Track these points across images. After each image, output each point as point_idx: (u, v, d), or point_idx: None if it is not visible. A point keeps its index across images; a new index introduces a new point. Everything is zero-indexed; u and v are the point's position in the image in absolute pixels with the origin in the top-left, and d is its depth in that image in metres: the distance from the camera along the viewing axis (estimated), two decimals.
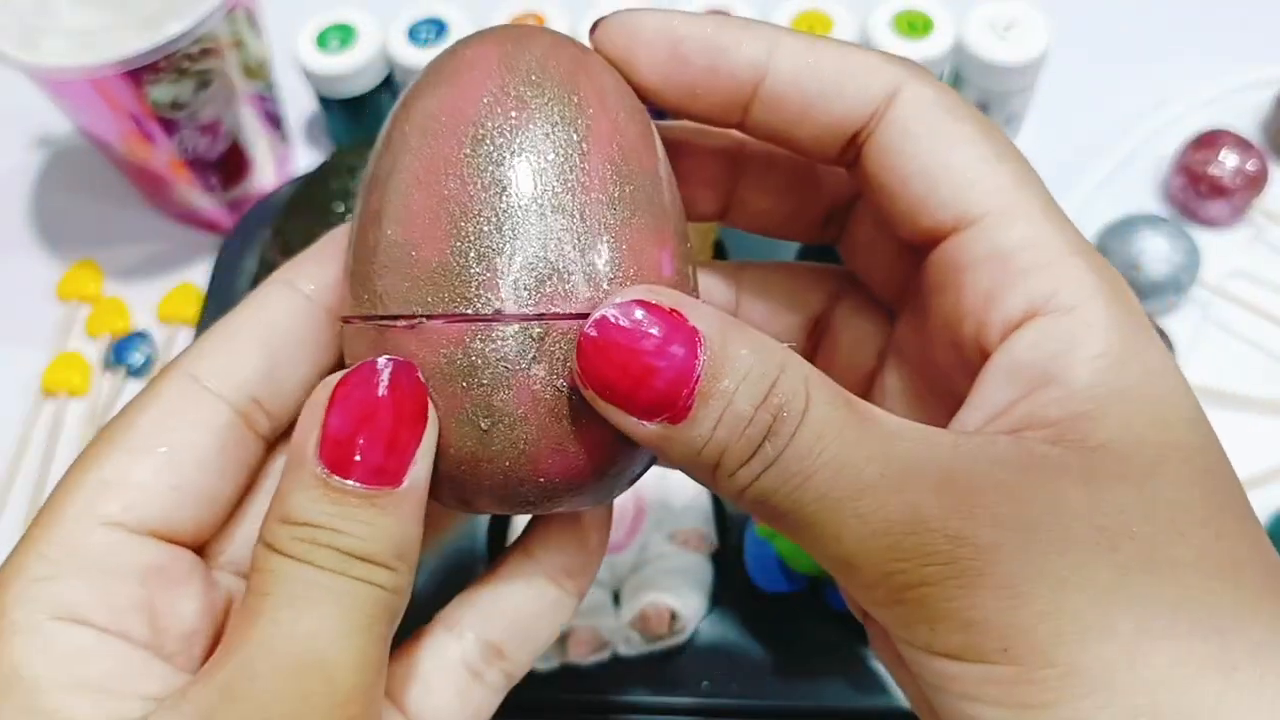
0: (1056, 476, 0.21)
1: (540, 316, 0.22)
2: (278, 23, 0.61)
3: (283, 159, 0.64)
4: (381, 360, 0.22)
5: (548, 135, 0.23)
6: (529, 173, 0.22)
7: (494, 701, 0.27)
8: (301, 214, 0.53)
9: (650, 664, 0.45)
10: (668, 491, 0.48)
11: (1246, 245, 0.59)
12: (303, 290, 0.26)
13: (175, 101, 0.54)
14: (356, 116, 0.64)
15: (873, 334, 0.30)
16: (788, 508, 0.22)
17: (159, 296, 0.61)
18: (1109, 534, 0.21)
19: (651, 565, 0.46)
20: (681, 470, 0.23)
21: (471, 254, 0.22)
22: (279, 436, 0.26)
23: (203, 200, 0.62)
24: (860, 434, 0.21)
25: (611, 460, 0.23)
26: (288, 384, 0.26)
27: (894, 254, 0.28)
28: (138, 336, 0.60)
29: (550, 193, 0.22)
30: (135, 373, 0.59)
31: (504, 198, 0.22)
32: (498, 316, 0.22)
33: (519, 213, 0.22)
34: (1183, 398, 0.23)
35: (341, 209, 0.52)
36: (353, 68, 0.61)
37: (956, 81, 0.62)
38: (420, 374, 0.22)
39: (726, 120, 0.26)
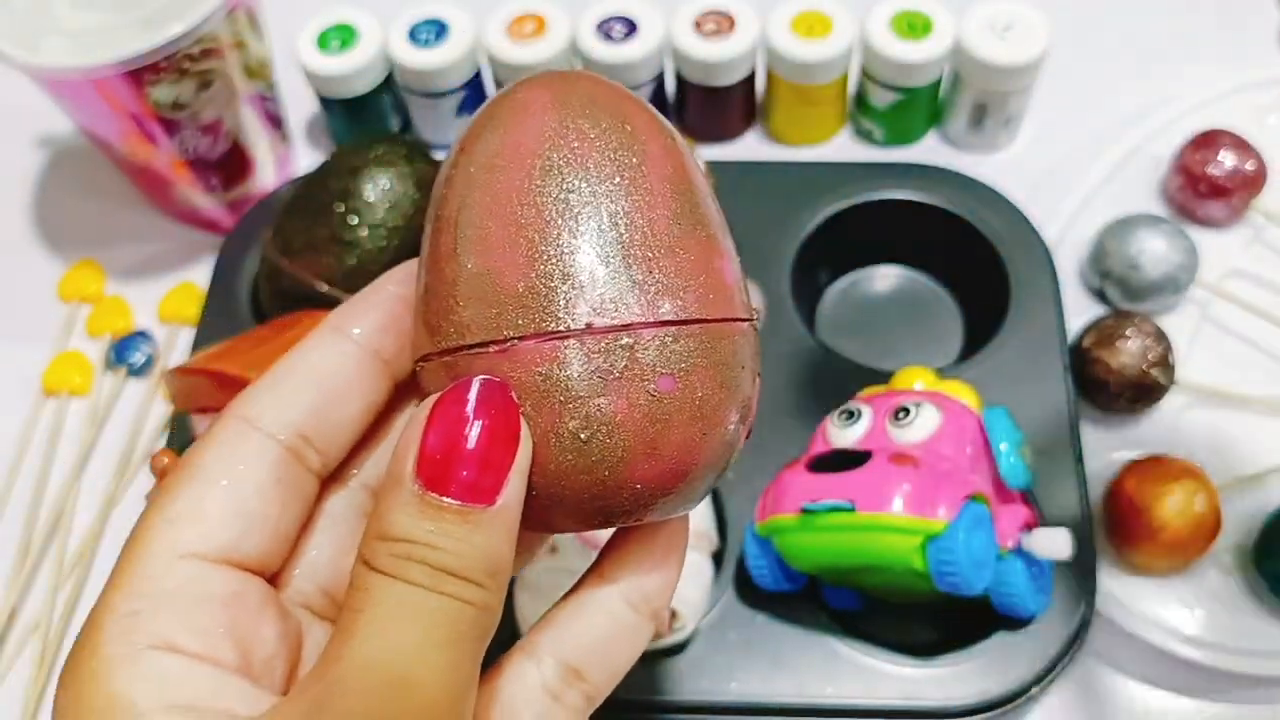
0: None
1: (628, 327, 0.23)
2: (278, 23, 0.61)
3: (283, 159, 0.64)
4: (476, 380, 0.23)
5: (610, 160, 0.24)
6: (599, 195, 0.24)
7: None
8: (302, 214, 0.53)
9: (650, 663, 0.45)
10: None
11: (1245, 245, 0.59)
12: (349, 335, 0.27)
13: (176, 102, 0.54)
14: (357, 116, 0.64)
15: None
16: None
17: (160, 296, 0.62)
18: None
19: None
20: None
21: (556, 274, 0.23)
22: (330, 475, 0.27)
23: (203, 200, 0.62)
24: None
25: (695, 460, 0.24)
26: (336, 423, 0.27)
27: None
28: (139, 336, 0.60)
29: (621, 212, 0.24)
30: (136, 372, 0.59)
31: (578, 220, 0.24)
32: (589, 330, 0.23)
33: (594, 233, 0.24)
34: None
35: (341, 209, 0.52)
36: (353, 68, 0.61)
37: (956, 82, 0.62)
38: (514, 395, 0.23)
39: None
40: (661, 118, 0.26)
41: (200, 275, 0.62)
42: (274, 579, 0.26)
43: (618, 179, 0.24)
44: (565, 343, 0.23)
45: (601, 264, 0.24)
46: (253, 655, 0.24)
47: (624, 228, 0.24)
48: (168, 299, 0.61)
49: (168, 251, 0.64)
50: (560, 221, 0.24)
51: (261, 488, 0.25)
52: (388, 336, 0.27)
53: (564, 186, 0.24)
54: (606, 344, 0.23)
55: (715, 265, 0.25)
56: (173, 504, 0.25)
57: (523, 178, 0.24)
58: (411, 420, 0.23)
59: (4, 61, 0.51)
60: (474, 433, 0.23)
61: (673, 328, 0.24)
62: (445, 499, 0.22)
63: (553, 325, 0.23)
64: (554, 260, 0.23)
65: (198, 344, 0.56)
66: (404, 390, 0.28)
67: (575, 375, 0.23)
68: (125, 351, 0.59)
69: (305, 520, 0.27)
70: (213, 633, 0.23)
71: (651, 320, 0.24)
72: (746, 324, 0.26)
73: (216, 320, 0.57)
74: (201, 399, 0.48)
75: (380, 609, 0.22)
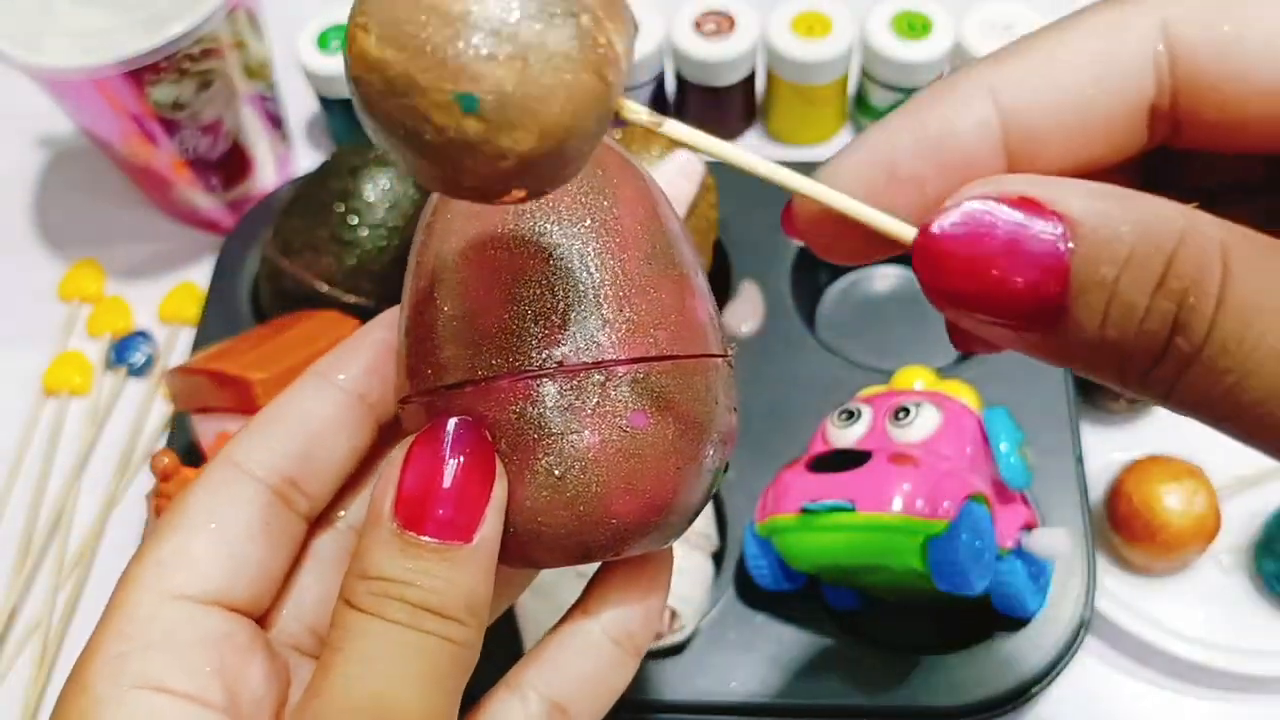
0: None
1: (600, 364, 0.24)
2: (279, 23, 0.61)
3: (283, 159, 0.65)
4: (451, 421, 0.23)
5: (582, 203, 0.25)
6: (571, 237, 0.25)
7: None
8: (302, 214, 0.53)
9: (650, 663, 0.45)
10: None
11: None
12: (334, 381, 0.27)
13: (177, 102, 0.54)
14: (357, 117, 0.64)
15: None
16: (1228, 414, 0.18)
17: (160, 296, 0.62)
18: None
19: None
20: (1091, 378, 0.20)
21: (529, 315, 0.24)
22: (318, 518, 0.28)
23: (204, 200, 0.62)
24: None
25: (671, 495, 0.25)
26: (323, 466, 0.27)
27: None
28: (139, 336, 0.60)
29: (592, 253, 0.24)
30: (136, 372, 0.59)
31: (551, 262, 0.24)
32: (562, 369, 0.24)
33: (566, 274, 0.24)
34: None
35: (341, 209, 0.52)
36: None
37: None
38: (489, 434, 0.24)
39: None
40: (634, 161, 0.27)
41: (200, 275, 0.62)
42: (262, 620, 0.26)
43: (589, 221, 0.25)
44: (538, 381, 0.24)
45: (574, 304, 0.24)
46: (240, 695, 0.24)
47: (595, 269, 0.24)
48: (168, 299, 0.61)
49: (168, 251, 0.64)
50: (533, 264, 0.24)
51: (250, 530, 0.25)
52: (373, 381, 0.27)
53: (536, 230, 0.24)
54: (579, 381, 0.24)
55: (688, 304, 0.25)
56: (162, 546, 0.25)
57: (497, 223, 0.25)
58: (389, 461, 0.24)
59: (5, 61, 0.51)
60: (450, 472, 0.23)
61: (644, 364, 0.24)
62: (423, 537, 0.23)
63: (526, 364, 0.24)
64: (527, 302, 0.24)
65: (198, 344, 0.56)
66: (389, 434, 0.28)
67: (549, 412, 0.24)
68: (125, 351, 0.59)
69: (293, 562, 0.27)
70: (201, 673, 0.24)
71: (623, 358, 0.24)
72: (720, 360, 0.26)
73: (216, 320, 0.57)
74: (201, 399, 0.48)
75: (361, 646, 0.22)
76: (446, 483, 0.23)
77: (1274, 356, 0.17)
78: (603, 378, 0.24)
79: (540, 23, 0.17)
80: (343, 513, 0.28)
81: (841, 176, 0.21)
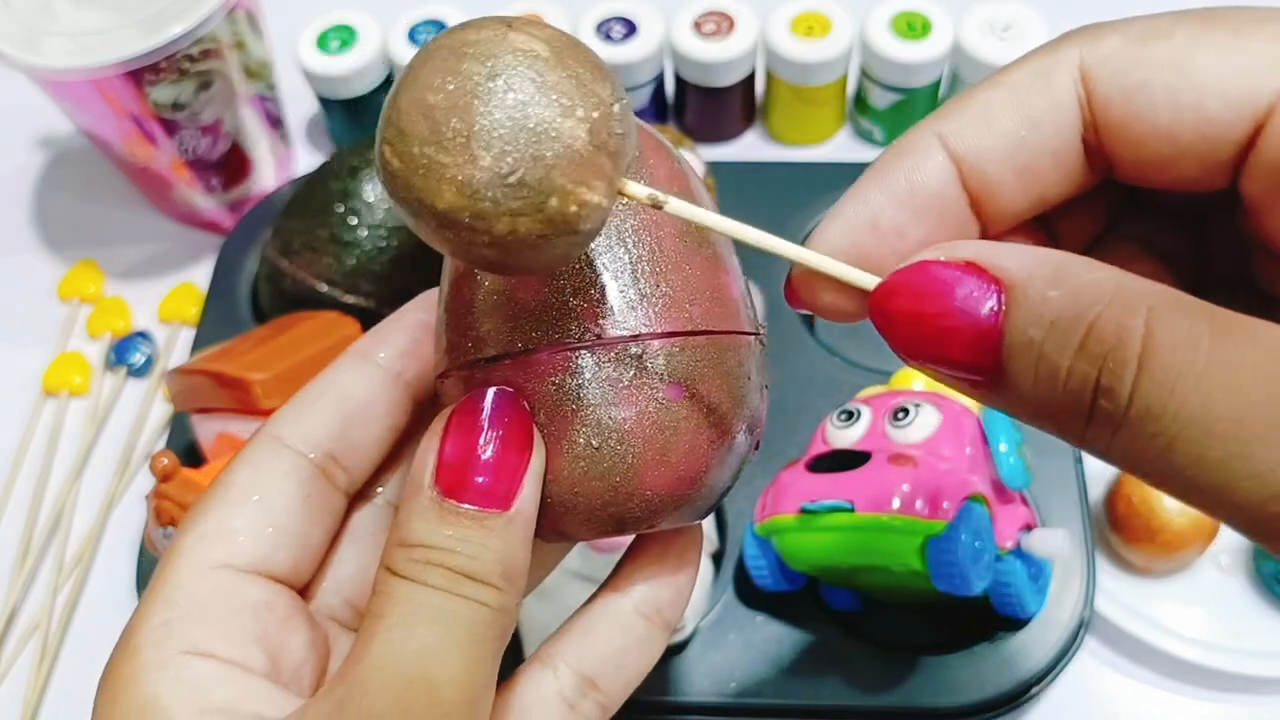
0: None
1: (636, 337, 0.24)
2: (278, 24, 0.61)
3: (283, 160, 0.65)
4: (490, 391, 0.24)
5: None
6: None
7: None
8: (302, 214, 0.53)
9: None
10: None
11: None
12: (374, 359, 0.28)
13: (176, 102, 0.54)
14: (357, 117, 0.64)
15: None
16: (1161, 476, 0.18)
17: (160, 296, 0.62)
18: None
19: None
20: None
21: (568, 289, 0.24)
22: (357, 493, 0.28)
23: (203, 201, 0.62)
24: (1233, 370, 0.17)
25: (704, 468, 0.25)
26: (362, 442, 0.28)
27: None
28: (139, 336, 0.60)
29: (629, 230, 0.25)
30: (136, 372, 0.59)
31: None
32: (600, 341, 0.24)
33: (604, 249, 0.25)
34: None
35: (341, 209, 0.52)
36: (353, 69, 0.61)
37: (955, 82, 0.62)
38: (527, 404, 0.24)
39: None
40: (666, 141, 0.27)
41: (200, 275, 0.62)
42: (303, 591, 0.27)
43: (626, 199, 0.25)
44: (576, 353, 0.24)
45: (611, 279, 0.24)
46: (282, 662, 0.25)
47: (632, 244, 0.25)
48: (168, 299, 0.61)
49: (168, 251, 0.64)
50: None
51: (291, 503, 0.26)
52: (410, 360, 0.28)
53: None
54: (616, 354, 0.24)
55: (720, 281, 0.26)
56: (206, 519, 0.26)
57: None
58: (429, 431, 0.24)
59: (4, 62, 0.51)
60: (489, 441, 0.23)
61: (679, 339, 0.24)
62: (462, 505, 0.23)
63: (564, 337, 0.24)
64: (565, 276, 0.24)
65: (198, 344, 0.56)
66: (427, 413, 0.29)
67: (586, 384, 0.24)
68: (125, 352, 0.59)
69: (333, 536, 0.28)
70: (243, 640, 0.24)
71: (659, 331, 0.24)
72: (753, 338, 0.26)
73: (216, 320, 0.57)
74: (201, 399, 0.48)
75: (401, 612, 0.23)
76: (485, 452, 0.23)
77: (1195, 423, 0.17)
78: (639, 351, 0.24)
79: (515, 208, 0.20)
80: (381, 489, 0.29)
81: (830, 237, 0.23)
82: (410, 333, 0.28)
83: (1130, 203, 0.25)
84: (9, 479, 0.56)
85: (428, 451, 0.24)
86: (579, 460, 0.24)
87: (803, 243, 0.23)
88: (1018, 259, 0.20)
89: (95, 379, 0.59)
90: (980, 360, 0.20)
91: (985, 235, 0.24)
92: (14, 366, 0.60)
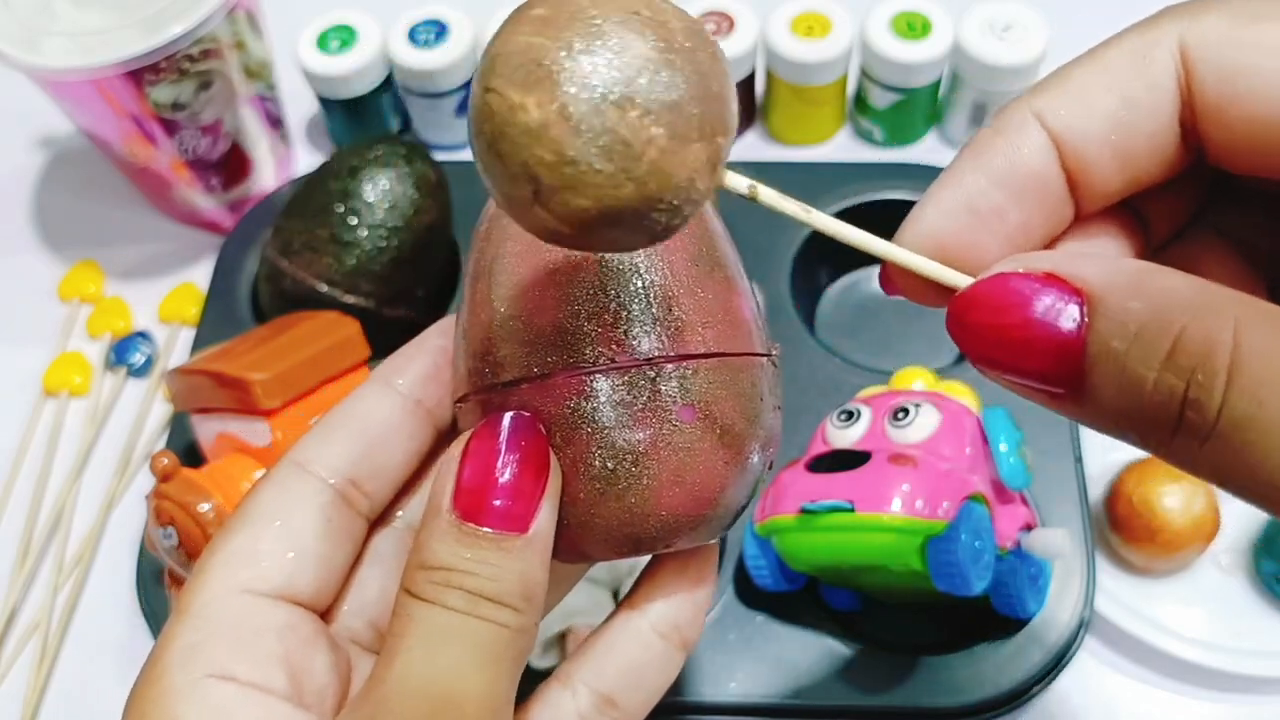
0: None
1: (650, 361, 0.25)
2: (278, 24, 0.61)
3: (283, 160, 0.65)
4: (507, 415, 0.24)
5: None
6: None
7: None
8: (302, 214, 0.53)
9: None
10: None
11: None
12: (395, 386, 0.28)
13: (176, 102, 0.54)
14: (357, 117, 0.64)
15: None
16: (1250, 488, 0.18)
17: (160, 296, 0.62)
18: None
19: None
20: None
21: (582, 314, 0.25)
22: (378, 518, 0.29)
23: (203, 201, 0.62)
24: None
25: (719, 488, 0.26)
26: (383, 467, 0.28)
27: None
28: (139, 336, 0.60)
29: (643, 255, 0.25)
30: (136, 373, 0.59)
31: (603, 263, 0.25)
32: (614, 365, 0.25)
33: (618, 275, 0.25)
34: None
35: (341, 209, 0.52)
36: (353, 69, 0.61)
37: (955, 82, 0.62)
38: (543, 427, 0.24)
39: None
40: None
41: (200, 276, 0.62)
42: (325, 615, 0.27)
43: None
44: (592, 377, 0.25)
45: (626, 304, 0.25)
46: (304, 685, 0.25)
47: (645, 270, 0.25)
48: (168, 299, 0.61)
49: (168, 251, 0.64)
50: (586, 265, 0.25)
51: (313, 528, 0.27)
52: (430, 386, 0.28)
53: None
54: (630, 378, 0.25)
55: (733, 303, 0.26)
56: (230, 543, 0.26)
57: None
58: (448, 455, 0.25)
59: (4, 62, 0.51)
60: (506, 464, 0.24)
61: (694, 361, 0.25)
62: (481, 528, 0.23)
63: (580, 361, 0.25)
64: (580, 301, 0.25)
65: (198, 344, 0.56)
66: (446, 437, 0.29)
67: (602, 407, 0.25)
68: (125, 352, 0.59)
69: (354, 559, 0.28)
70: (266, 663, 0.25)
71: (673, 354, 0.25)
72: (765, 359, 0.27)
73: (216, 320, 0.57)
74: (201, 399, 0.48)
75: (422, 633, 0.23)
76: (503, 475, 0.24)
77: None
78: (654, 374, 0.25)
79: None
80: (401, 513, 0.29)
81: (925, 226, 0.23)
82: (431, 358, 0.29)
83: (1218, 191, 0.25)
84: (9, 479, 0.56)
85: (446, 475, 0.24)
86: (595, 482, 0.25)
87: (900, 229, 0.23)
88: (1096, 269, 0.20)
89: (95, 379, 0.59)
90: (1062, 372, 0.20)
91: (1079, 217, 0.23)
92: (14, 366, 0.60)
